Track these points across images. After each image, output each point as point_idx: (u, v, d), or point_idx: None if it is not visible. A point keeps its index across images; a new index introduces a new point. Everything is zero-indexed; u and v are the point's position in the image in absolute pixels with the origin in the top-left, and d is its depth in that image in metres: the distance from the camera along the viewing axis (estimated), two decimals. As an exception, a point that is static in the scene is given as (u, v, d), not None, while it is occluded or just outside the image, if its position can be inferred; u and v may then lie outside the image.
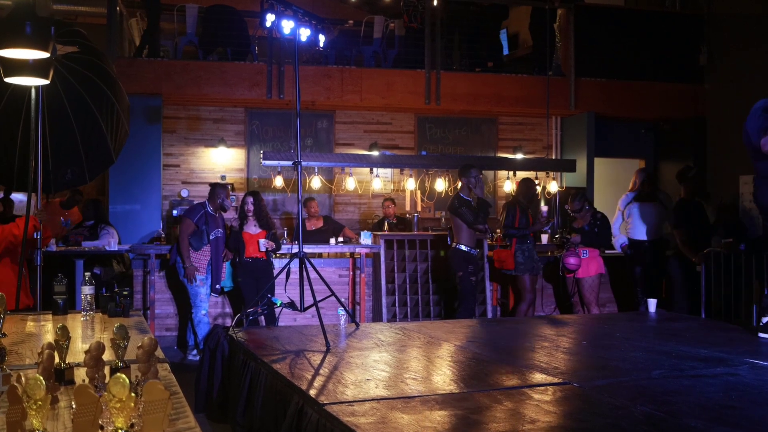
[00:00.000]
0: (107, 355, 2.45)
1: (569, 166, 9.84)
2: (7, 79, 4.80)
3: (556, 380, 3.51)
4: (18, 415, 1.75)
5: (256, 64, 9.50)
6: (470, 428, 2.72)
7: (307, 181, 9.22)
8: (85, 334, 3.70)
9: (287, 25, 4.92)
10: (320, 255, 8.64)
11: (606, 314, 7.66)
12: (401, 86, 9.83)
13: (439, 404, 3.02)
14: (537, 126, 11.13)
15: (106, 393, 1.73)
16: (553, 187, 9.82)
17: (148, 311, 7.63)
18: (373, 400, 3.07)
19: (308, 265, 4.84)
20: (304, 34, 5.00)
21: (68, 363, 2.52)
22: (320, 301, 4.67)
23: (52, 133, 5.52)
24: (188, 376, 5.01)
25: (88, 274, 4.29)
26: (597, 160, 10.51)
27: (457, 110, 10.54)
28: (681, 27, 10.76)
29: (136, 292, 7.83)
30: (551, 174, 9.89)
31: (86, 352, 2.39)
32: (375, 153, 9.98)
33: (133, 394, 1.73)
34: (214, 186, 7.42)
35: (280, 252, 7.55)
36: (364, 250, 8.18)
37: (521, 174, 9.16)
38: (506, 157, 10.52)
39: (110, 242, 7.90)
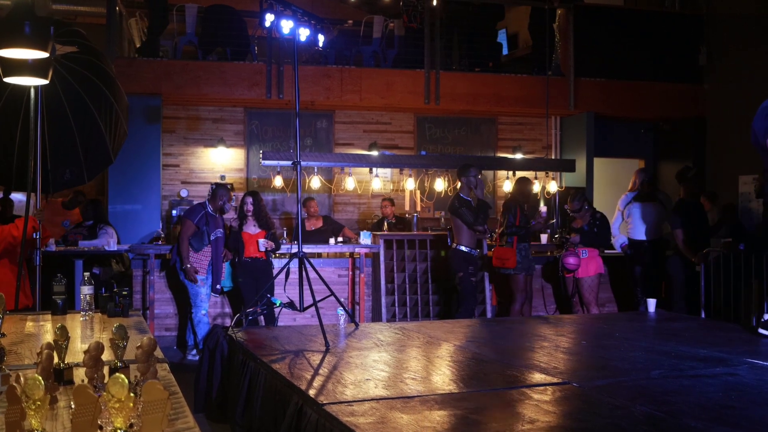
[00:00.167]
0: (106, 355, 2.45)
1: (569, 166, 9.83)
2: (6, 79, 4.79)
3: (555, 380, 3.51)
4: (17, 415, 1.75)
5: (255, 64, 9.50)
6: (470, 428, 2.71)
7: (307, 181, 9.22)
8: (84, 334, 3.70)
9: (286, 25, 4.92)
10: (320, 255, 8.65)
11: (605, 314, 7.66)
12: (401, 86, 9.83)
13: (438, 404, 3.01)
14: (536, 126, 11.13)
15: (105, 393, 1.73)
16: (553, 187, 9.81)
17: (148, 311, 7.64)
18: (372, 400, 3.07)
19: (308, 265, 4.84)
20: (304, 33, 5.00)
21: (67, 363, 2.52)
22: (320, 301, 4.67)
23: (50, 133, 5.51)
24: (187, 376, 5.00)
25: (87, 274, 4.29)
26: (597, 160, 10.51)
27: (456, 110, 10.54)
28: (680, 27, 10.77)
29: (136, 292, 7.83)
30: (551, 174, 9.88)
31: (85, 352, 2.39)
32: (374, 153, 9.97)
33: (132, 394, 1.73)
34: (216, 187, 7.32)
35: (279, 252, 7.54)
36: (363, 250, 8.18)
37: (520, 174, 9.15)
38: (506, 157, 10.51)
39: (109, 242, 7.88)
